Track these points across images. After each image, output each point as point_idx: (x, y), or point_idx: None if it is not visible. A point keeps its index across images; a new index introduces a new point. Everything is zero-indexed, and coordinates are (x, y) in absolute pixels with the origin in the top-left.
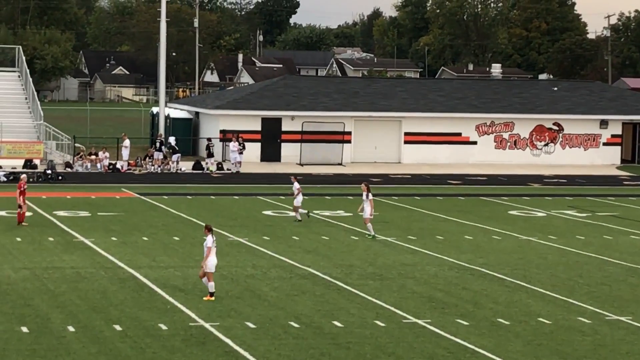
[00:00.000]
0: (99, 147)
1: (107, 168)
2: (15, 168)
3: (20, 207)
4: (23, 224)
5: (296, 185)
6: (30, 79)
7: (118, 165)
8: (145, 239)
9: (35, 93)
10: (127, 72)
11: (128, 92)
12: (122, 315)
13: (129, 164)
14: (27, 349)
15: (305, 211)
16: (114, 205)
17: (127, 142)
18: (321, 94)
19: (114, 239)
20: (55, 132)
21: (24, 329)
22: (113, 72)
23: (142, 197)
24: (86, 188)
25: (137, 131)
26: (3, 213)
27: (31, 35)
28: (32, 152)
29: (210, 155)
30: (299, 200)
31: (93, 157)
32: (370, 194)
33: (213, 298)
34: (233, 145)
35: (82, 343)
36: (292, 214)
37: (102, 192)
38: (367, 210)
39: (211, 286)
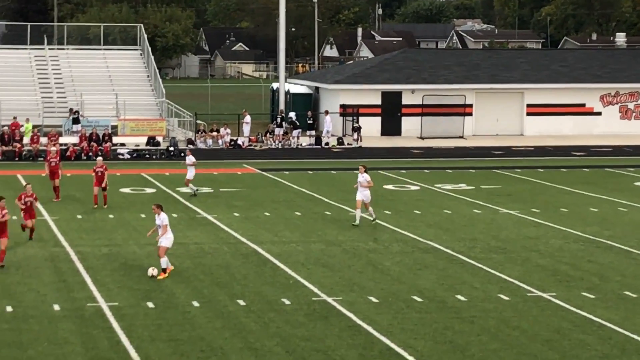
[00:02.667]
0: (220, 124)
1: (228, 144)
2: (138, 145)
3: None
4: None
5: (190, 159)
6: (152, 57)
7: (239, 142)
8: (267, 214)
9: (157, 71)
10: (247, 49)
11: (248, 69)
12: (245, 290)
13: (250, 140)
14: (153, 323)
15: (194, 190)
16: (236, 181)
17: (247, 118)
18: (441, 66)
19: (236, 214)
20: (177, 109)
21: (150, 304)
22: (233, 49)
23: (264, 173)
24: (208, 164)
25: (258, 107)
26: (128, 190)
27: (152, 13)
28: (155, 129)
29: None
30: (191, 174)
31: (214, 133)
32: (366, 175)
33: (167, 275)
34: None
35: (207, 318)
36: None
37: (223, 169)
38: (367, 193)
39: (163, 262)
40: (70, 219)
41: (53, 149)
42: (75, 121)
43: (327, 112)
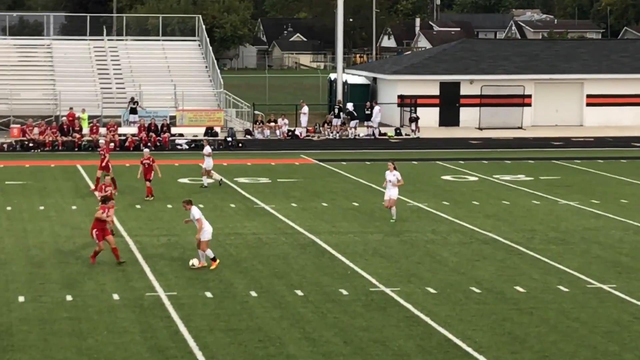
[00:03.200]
0: (277, 114)
1: (286, 135)
2: (196, 136)
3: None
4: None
5: (207, 149)
6: (210, 48)
7: (297, 132)
8: (324, 204)
9: (215, 61)
10: (305, 39)
11: (306, 59)
12: (303, 281)
13: (307, 131)
14: (211, 313)
15: (219, 178)
16: (294, 172)
17: (305, 109)
18: (500, 57)
19: (293, 205)
20: (235, 100)
21: (208, 294)
22: (291, 39)
23: (321, 163)
24: (266, 155)
25: (315, 98)
26: (186, 180)
27: (210, 4)
28: (213, 120)
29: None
30: (208, 164)
31: (272, 124)
32: (397, 172)
33: (218, 261)
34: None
35: (265, 308)
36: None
37: (281, 159)
38: (394, 192)
39: (210, 252)
40: (129, 209)
41: (102, 141)
42: (133, 111)
43: (375, 103)
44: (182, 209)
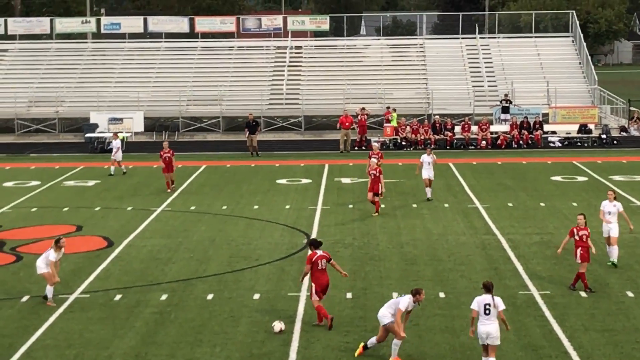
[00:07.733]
0: None
1: None
2: (569, 133)
3: None
4: None
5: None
6: (584, 44)
7: None
8: None
9: (589, 57)
10: None
11: None
12: None
13: None
14: (585, 313)
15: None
16: None
17: None
18: None
19: None
20: (609, 96)
21: (582, 294)
22: None
23: None
24: None
25: None
26: (559, 178)
27: None
28: (587, 117)
29: None
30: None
31: None
32: (618, 203)
33: None
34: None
35: None
36: None
37: None
38: (615, 227)
39: None
40: (501, 207)
41: (373, 160)
42: (505, 110)
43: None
44: (554, 207)
